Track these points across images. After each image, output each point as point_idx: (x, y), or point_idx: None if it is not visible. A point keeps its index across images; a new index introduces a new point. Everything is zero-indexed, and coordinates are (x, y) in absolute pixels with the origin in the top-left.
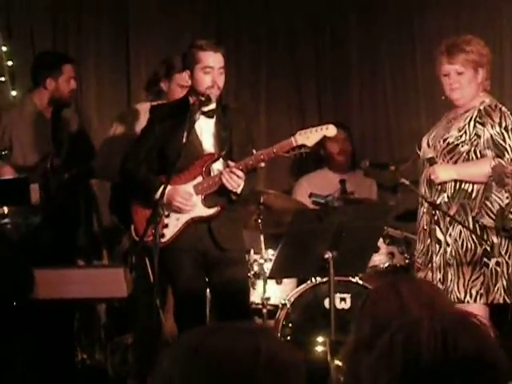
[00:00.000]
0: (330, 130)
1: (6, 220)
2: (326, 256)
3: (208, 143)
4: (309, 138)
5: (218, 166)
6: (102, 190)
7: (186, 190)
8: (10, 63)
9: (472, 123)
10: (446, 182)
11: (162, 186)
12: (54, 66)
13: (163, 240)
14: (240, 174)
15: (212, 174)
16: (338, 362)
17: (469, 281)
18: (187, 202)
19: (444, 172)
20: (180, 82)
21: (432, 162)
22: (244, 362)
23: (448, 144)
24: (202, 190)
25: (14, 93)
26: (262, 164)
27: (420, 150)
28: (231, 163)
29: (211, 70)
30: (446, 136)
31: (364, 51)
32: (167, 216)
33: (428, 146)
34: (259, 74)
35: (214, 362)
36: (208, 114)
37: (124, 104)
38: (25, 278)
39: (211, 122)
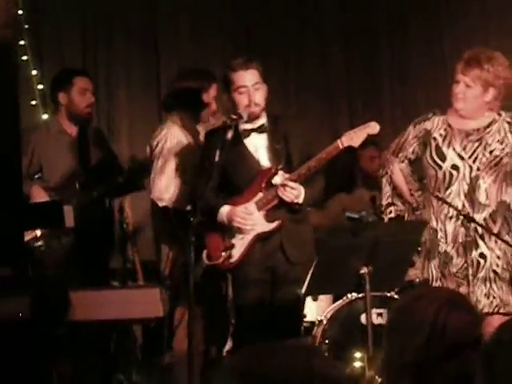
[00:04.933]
0: (373, 128)
1: (40, 243)
2: (362, 271)
3: (264, 158)
4: (353, 138)
5: (278, 179)
6: (134, 209)
7: (248, 208)
8: (40, 87)
9: (510, 135)
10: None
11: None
12: (65, 80)
13: (232, 260)
14: (293, 184)
15: (267, 189)
16: (376, 378)
17: None
18: (246, 222)
19: None
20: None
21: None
22: (298, 382)
23: (495, 157)
24: (263, 205)
25: (45, 116)
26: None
27: (443, 161)
28: (285, 175)
29: (245, 89)
30: (489, 148)
31: (395, 63)
32: (233, 236)
33: (461, 157)
34: (288, 87)
35: (266, 382)
36: (260, 130)
37: (154, 124)
38: (60, 301)
39: (263, 137)
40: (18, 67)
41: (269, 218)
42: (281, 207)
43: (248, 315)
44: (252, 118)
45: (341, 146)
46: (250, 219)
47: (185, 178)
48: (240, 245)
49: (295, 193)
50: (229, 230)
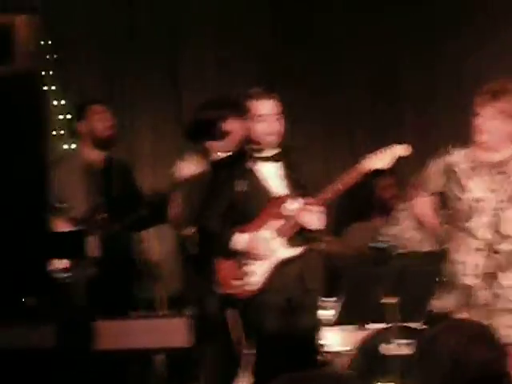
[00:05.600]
0: (404, 149)
1: (64, 272)
2: (387, 301)
3: (279, 186)
4: (382, 159)
5: (294, 206)
6: (158, 238)
7: (265, 235)
8: (61, 117)
9: None
10: None
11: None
12: (82, 109)
13: (254, 288)
14: (316, 209)
15: (288, 215)
16: None
17: None
18: (268, 248)
19: None
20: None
21: None
22: None
23: None
24: (284, 232)
25: (65, 146)
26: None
27: (466, 193)
28: (307, 201)
29: (266, 118)
30: None
31: (418, 92)
32: (251, 264)
33: (484, 189)
34: (312, 116)
35: None
36: (274, 158)
37: (177, 153)
38: (85, 330)
39: (277, 165)
40: (44, 97)
41: (291, 244)
42: (300, 233)
43: (267, 344)
44: (270, 146)
45: (369, 168)
46: (270, 246)
47: (192, 205)
48: (261, 272)
49: (317, 217)
50: (240, 257)
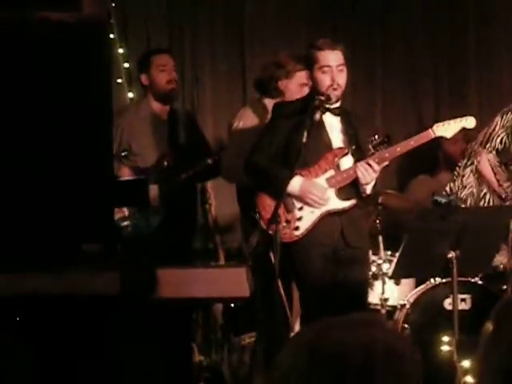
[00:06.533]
0: (470, 122)
1: (127, 222)
2: (449, 255)
3: (337, 139)
4: (447, 129)
5: (346, 161)
6: (217, 191)
7: (320, 183)
8: (126, 65)
9: None
10: None
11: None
12: (144, 61)
13: (297, 233)
14: (376, 166)
15: (341, 169)
16: (464, 363)
17: None
18: (323, 196)
19: None
20: (301, 81)
21: None
22: (361, 355)
23: None
24: (336, 183)
25: (130, 95)
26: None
27: None
28: (366, 156)
29: (329, 68)
30: None
31: (482, 51)
32: (300, 209)
33: None
34: (374, 76)
35: (331, 356)
36: (334, 112)
37: (239, 105)
38: (146, 278)
39: (337, 119)
40: (110, 45)
41: (340, 196)
42: (351, 189)
43: (312, 293)
44: (333, 98)
45: (432, 135)
46: (325, 194)
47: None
48: (308, 218)
49: (373, 175)
50: (290, 201)
